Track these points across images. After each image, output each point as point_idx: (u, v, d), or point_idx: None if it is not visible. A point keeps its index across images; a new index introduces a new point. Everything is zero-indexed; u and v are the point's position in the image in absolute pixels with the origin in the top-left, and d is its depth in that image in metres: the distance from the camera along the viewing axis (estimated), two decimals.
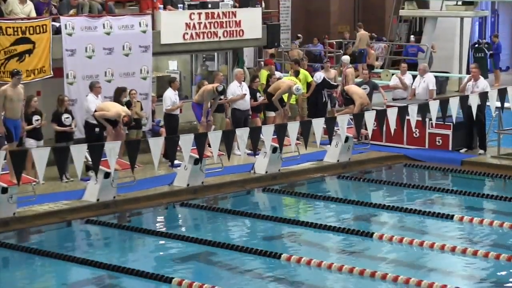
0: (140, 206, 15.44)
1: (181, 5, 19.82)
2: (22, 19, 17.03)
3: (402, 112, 16.46)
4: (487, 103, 17.38)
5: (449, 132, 18.74)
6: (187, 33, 19.47)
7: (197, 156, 15.23)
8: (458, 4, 28.34)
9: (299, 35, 28.30)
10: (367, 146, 18.98)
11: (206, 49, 20.38)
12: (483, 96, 17.28)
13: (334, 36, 29.38)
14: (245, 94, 18.79)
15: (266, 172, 17.11)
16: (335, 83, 21.22)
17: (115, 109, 16.57)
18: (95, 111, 16.71)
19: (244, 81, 19.28)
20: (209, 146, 15.12)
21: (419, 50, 27.82)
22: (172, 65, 21.35)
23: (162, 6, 19.45)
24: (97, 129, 16.82)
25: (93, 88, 17.20)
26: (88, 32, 17.86)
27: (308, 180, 17.39)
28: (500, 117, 18.34)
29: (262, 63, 22.19)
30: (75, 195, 15.41)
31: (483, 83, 18.68)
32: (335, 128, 16.52)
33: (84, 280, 12.13)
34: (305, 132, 15.94)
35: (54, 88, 17.43)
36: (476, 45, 29.63)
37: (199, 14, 19.63)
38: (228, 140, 15.06)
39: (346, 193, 16.75)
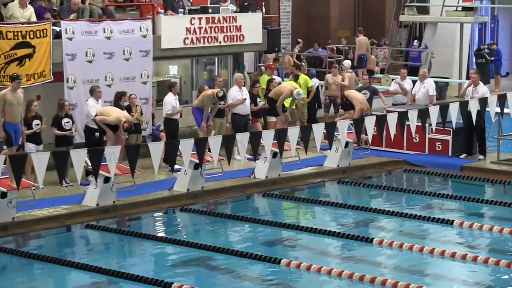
0: (140, 211, 15.42)
1: (182, 10, 19.83)
2: (22, 23, 17.03)
3: (402, 117, 16.47)
4: (487, 109, 17.39)
5: (449, 137, 18.74)
6: (188, 38, 19.49)
7: (197, 161, 15.24)
8: (458, 10, 28.39)
9: (299, 40, 28.31)
10: (367, 151, 18.98)
11: (207, 54, 20.39)
12: (483, 101, 17.29)
13: (334, 41, 29.37)
14: (245, 99, 18.80)
15: (266, 177, 17.10)
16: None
17: (116, 114, 16.57)
18: (96, 115, 16.71)
19: (244, 86, 19.28)
20: (209, 151, 15.13)
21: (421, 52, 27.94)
22: (173, 69, 21.36)
23: (162, 10, 19.46)
24: (97, 134, 16.82)
25: (94, 92, 17.20)
26: (89, 36, 17.87)
27: (308, 185, 17.38)
28: (500, 122, 18.34)
29: (263, 68, 22.18)
30: (74, 199, 15.40)
31: (483, 89, 18.69)
32: (335, 133, 16.52)
33: (84, 285, 12.12)
34: (305, 137, 15.95)
35: (54, 93, 17.43)
36: (478, 51, 29.66)
37: (200, 19, 19.64)
38: (228, 145, 15.07)
39: (346, 198, 16.74)
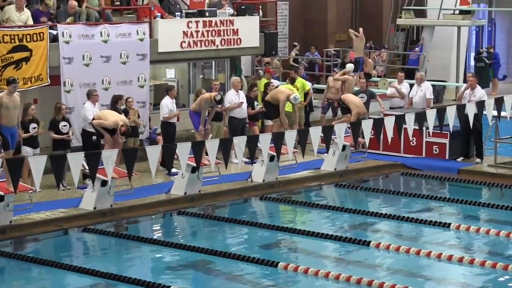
0: (137, 214, 15.42)
1: (179, 13, 19.84)
2: (19, 26, 17.04)
3: (399, 120, 16.47)
4: (484, 112, 17.40)
5: (446, 141, 18.75)
6: (185, 41, 19.50)
7: (194, 165, 15.23)
8: (455, 13, 28.44)
9: (295, 43, 28.32)
10: (364, 154, 18.99)
11: (204, 57, 20.40)
12: (480, 105, 17.30)
13: (331, 44, 29.37)
14: (242, 103, 18.80)
15: (264, 180, 17.11)
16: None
17: (113, 118, 16.56)
18: (93, 119, 16.71)
19: (241, 89, 19.29)
20: (207, 154, 15.12)
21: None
22: (170, 73, 21.37)
23: (159, 14, 19.46)
24: (94, 137, 16.81)
25: (91, 96, 17.19)
26: (86, 40, 17.88)
27: (305, 188, 17.39)
28: (497, 126, 18.34)
29: (261, 72, 22.19)
30: (72, 203, 15.39)
31: (480, 92, 18.71)
32: (333, 136, 16.52)
33: None
34: (302, 141, 15.95)
35: (51, 96, 17.44)
36: (477, 55, 29.69)
37: (197, 22, 19.66)
38: (225, 149, 15.07)
39: (343, 202, 16.75)
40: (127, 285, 11.82)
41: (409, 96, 20.33)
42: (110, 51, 18.24)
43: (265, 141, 15.60)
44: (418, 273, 12.46)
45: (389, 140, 16.88)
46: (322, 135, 16.13)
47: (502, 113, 17.48)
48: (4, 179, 14.07)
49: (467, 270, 12.48)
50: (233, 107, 18.73)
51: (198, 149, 14.81)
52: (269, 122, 19.44)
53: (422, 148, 19.05)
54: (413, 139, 18.82)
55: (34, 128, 16.17)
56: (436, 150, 18.95)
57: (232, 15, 20.51)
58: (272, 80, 20.80)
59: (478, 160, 18.67)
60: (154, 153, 14.41)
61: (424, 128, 17.49)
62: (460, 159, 18.84)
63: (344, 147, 17.65)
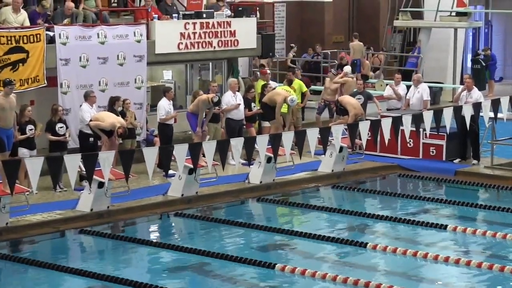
0: (134, 216, 15.40)
1: (176, 15, 19.84)
2: (15, 28, 17.02)
3: (396, 122, 16.49)
4: (481, 114, 17.42)
5: (443, 142, 18.77)
6: (182, 43, 19.49)
7: (192, 166, 15.23)
8: (452, 15, 28.46)
9: (292, 45, 28.31)
10: (361, 156, 19.00)
11: (201, 59, 20.40)
12: (477, 106, 17.31)
13: (328, 45, 29.37)
14: (239, 104, 18.80)
15: (261, 182, 17.10)
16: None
17: (110, 120, 16.54)
18: (90, 120, 16.70)
19: (238, 91, 19.28)
20: (204, 156, 15.12)
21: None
22: (167, 74, 21.36)
23: (156, 16, 19.46)
24: (91, 139, 16.80)
25: (88, 97, 17.18)
26: (82, 41, 17.86)
27: (302, 190, 17.39)
28: (494, 127, 18.36)
29: (258, 73, 22.18)
30: (68, 205, 15.38)
31: (476, 94, 18.74)
32: (330, 138, 16.53)
33: None
34: (299, 142, 15.95)
35: (48, 98, 17.42)
36: (474, 57, 29.71)
37: (194, 24, 19.65)
38: (222, 150, 15.06)
39: (340, 203, 16.75)
40: (124, 287, 11.80)
41: (406, 98, 20.34)
42: (107, 52, 18.23)
43: (262, 143, 15.60)
44: (415, 275, 12.47)
45: (386, 141, 16.90)
46: (319, 136, 16.13)
47: (499, 115, 17.50)
48: (1, 181, 14.04)
49: (464, 271, 12.48)
50: (230, 109, 18.73)
51: (195, 151, 14.81)
52: (266, 124, 19.43)
53: (419, 149, 19.06)
54: (410, 141, 18.84)
55: (30, 129, 16.15)
56: (433, 152, 18.96)
57: (230, 16, 20.50)
58: (271, 82, 20.80)
59: (474, 161, 18.69)
60: (151, 154, 14.42)
61: (421, 130, 17.50)
62: (457, 160, 18.85)
63: (341, 149, 17.64)
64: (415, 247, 13.46)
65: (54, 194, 16.00)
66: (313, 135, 15.97)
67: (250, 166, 17.05)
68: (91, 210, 15.04)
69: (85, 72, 17.94)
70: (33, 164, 13.25)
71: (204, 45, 19.81)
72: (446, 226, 14.50)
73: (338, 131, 16.47)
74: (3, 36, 16.70)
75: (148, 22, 19.08)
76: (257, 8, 22.14)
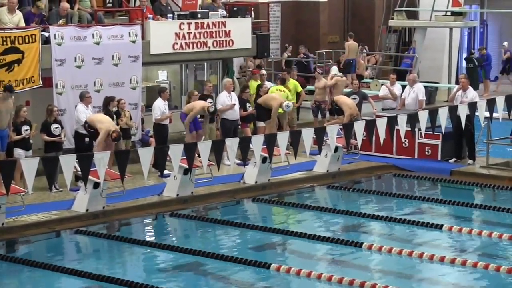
0: (129, 216, 15.40)
1: (171, 15, 19.83)
2: (11, 28, 17.01)
3: (392, 122, 16.49)
4: (476, 113, 17.43)
5: (438, 142, 18.78)
6: (177, 43, 19.48)
7: (187, 166, 15.22)
8: (447, 14, 28.48)
9: (286, 45, 28.32)
10: (356, 156, 18.99)
11: (196, 59, 20.39)
12: (472, 106, 17.33)
13: (324, 45, 29.38)
14: (234, 104, 18.80)
15: (256, 182, 17.10)
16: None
17: (105, 124, 16.48)
18: (86, 122, 16.68)
19: (233, 91, 19.28)
20: (199, 156, 15.12)
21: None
22: (162, 75, 21.34)
23: (151, 16, 19.45)
24: (86, 139, 16.79)
25: (84, 98, 17.17)
26: (78, 42, 17.85)
27: (297, 190, 17.39)
28: (489, 127, 18.38)
29: (250, 73, 22.18)
30: (64, 205, 15.37)
31: (472, 93, 18.75)
32: (325, 138, 16.54)
33: None
34: (294, 142, 15.95)
35: (43, 98, 17.41)
36: (468, 56, 29.74)
37: (189, 24, 19.64)
38: (217, 150, 15.06)
39: (336, 203, 16.76)
40: (119, 287, 11.80)
41: (402, 98, 20.36)
42: (102, 53, 18.22)
43: (257, 143, 15.61)
44: (411, 274, 12.47)
45: (382, 141, 16.91)
46: (315, 136, 16.14)
47: (494, 114, 17.52)
48: None
49: (460, 271, 12.49)
50: (225, 109, 18.73)
51: (190, 151, 14.81)
52: (261, 124, 19.43)
53: (415, 149, 19.07)
54: (405, 141, 18.85)
55: (26, 130, 16.15)
56: (428, 152, 18.97)
57: (224, 16, 20.50)
58: (267, 82, 20.79)
59: (470, 161, 18.70)
60: (146, 155, 14.42)
61: (416, 130, 17.50)
62: (452, 160, 18.87)
63: (336, 149, 17.64)
64: (410, 246, 13.46)
65: (50, 194, 15.97)
66: (308, 135, 15.98)
67: (245, 166, 17.05)
68: (87, 210, 15.03)
69: (80, 72, 17.93)
70: (29, 164, 13.25)
71: (199, 45, 19.80)
72: (442, 226, 14.51)
73: (333, 131, 16.48)
74: None
75: (143, 23, 19.07)
76: (252, 8, 22.14)
